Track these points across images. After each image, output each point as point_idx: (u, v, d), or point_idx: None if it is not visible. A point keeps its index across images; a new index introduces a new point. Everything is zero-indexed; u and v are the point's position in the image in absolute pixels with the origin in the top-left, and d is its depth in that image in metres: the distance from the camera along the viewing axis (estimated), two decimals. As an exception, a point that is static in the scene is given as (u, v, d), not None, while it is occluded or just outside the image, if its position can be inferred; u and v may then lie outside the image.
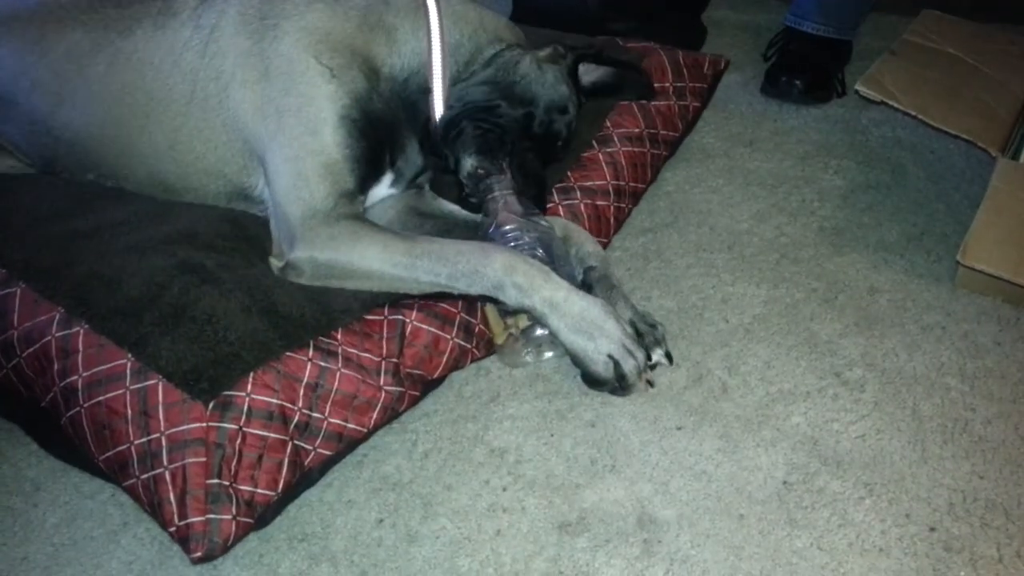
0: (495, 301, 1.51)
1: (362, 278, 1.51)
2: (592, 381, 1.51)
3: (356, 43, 1.59)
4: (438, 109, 1.65)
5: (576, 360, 1.50)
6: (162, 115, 1.62)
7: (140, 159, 1.66)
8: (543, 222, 1.62)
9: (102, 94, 1.64)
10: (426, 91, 1.64)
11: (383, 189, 1.68)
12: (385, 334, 1.47)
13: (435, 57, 1.63)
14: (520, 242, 1.55)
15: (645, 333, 1.56)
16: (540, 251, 1.55)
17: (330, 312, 1.46)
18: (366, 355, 1.45)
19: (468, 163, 1.63)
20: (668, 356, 1.57)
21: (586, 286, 1.60)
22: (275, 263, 1.52)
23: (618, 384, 1.49)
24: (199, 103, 1.60)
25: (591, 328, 1.46)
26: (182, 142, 1.62)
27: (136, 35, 1.64)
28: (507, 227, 1.57)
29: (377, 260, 1.49)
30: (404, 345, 1.49)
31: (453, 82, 1.66)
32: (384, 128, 1.61)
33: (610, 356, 1.47)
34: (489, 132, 1.63)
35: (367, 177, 1.59)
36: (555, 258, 1.57)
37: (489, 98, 1.65)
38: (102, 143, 1.67)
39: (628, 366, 1.47)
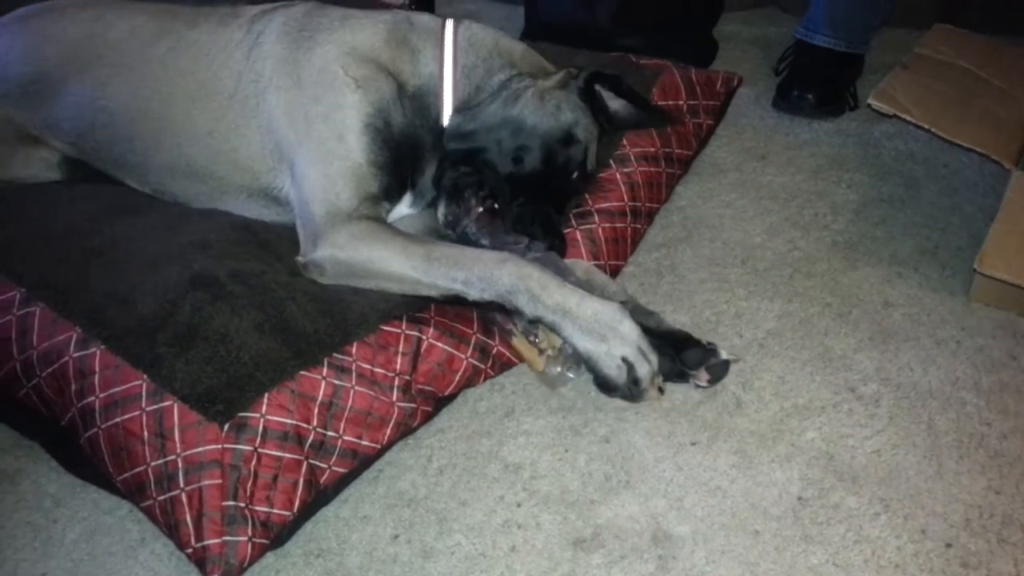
0: (508, 312, 1.51)
1: (380, 278, 1.54)
2: (604, 385, 1.50)
3: (382, 57, 1.67)
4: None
5: (589, 364, 1.49)
6: (208, 103, 1.71)
7: (177, 138, 1.74)
8: (538, 243, 1.60)
9: (158, 73, 1.75)
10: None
11: (403, 208, 1.73)
12: (400, 349, 1.48)
13: (446, 77, 1.69)
14: None
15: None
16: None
17: (345, 326, 1.47)
18: (379, 370, 1.45)
19: (440, 212, 1.66)
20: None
21: None
22: (300, 261, 1.58)
23: (630, 389, 1.48)
24: (240, 101, 1.69)
25: (604, 330, 1.46)
26: (220, 132, 1.70)
27: (201, 27, 1.77)
28: None
29: (396, 261, 1.52)
30: (418, 362, 1.50)
31: (465, 105, 1.70)
32: (407, 144, 1.67)
33: (624, 360, 1.46)
34: (460, 178, 1.64)
35: (389, 187, 1.64)
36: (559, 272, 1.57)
37: (479, 142, 1.66)
38: (144, 116, 1.75)
39: (642, 370, 1.47)
